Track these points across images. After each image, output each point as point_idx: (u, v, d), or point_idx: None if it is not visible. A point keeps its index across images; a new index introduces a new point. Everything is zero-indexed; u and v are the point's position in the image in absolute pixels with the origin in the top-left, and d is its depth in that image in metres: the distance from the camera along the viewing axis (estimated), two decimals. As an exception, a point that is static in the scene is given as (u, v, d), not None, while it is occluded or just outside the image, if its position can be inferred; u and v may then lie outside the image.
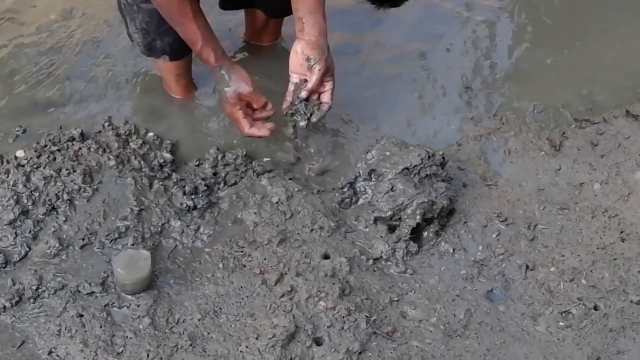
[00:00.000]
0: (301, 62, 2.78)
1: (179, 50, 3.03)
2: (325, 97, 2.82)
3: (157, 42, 2.98)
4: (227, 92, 2.76)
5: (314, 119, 2.79)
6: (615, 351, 2.48)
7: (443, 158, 2.77)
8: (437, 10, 3.64)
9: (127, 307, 2.52)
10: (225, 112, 2.85)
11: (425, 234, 2.76)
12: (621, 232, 2.77)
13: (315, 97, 2.81)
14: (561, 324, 2.54)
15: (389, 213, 2.71)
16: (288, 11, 2.92)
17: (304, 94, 2.76)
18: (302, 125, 2.79)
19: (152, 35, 2.95)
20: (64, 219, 2.68)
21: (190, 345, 2.44)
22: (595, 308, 2.58)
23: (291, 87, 2.81)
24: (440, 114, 3.21)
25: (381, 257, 2.69)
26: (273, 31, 3.37)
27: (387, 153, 2.76)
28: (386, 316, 2.55)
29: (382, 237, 2.71)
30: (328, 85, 2.81)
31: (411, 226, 2.69)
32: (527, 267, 2.67)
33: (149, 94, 3.23)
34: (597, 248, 2.73)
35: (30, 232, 2.65)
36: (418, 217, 2.69)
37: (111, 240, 2.66)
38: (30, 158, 2.78)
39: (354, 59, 3.39)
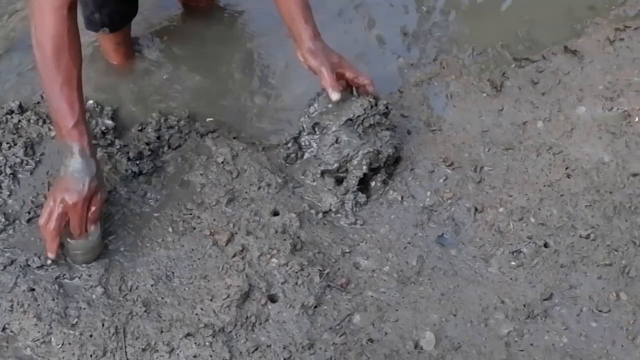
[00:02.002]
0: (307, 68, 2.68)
1: (119, 21, 2.93)
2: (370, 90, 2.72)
3: (95, 15, 2.86)
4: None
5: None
6: (568, 286, 2.48)
7: (387, 107, 2.71)
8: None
9: (79, 277, 2.47)
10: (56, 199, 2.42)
11: (373, 183, 2.71)
12: (566, 168, 2.75)
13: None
14: (513, 263, 2.53)
15: (335, 165, 2.65)
16: None
17: (335, 96, 2.61)
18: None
19: (91, 8, 2.84)
20: (8, 193, 2.61)
21: (145, 311, 2.41)
22: (546, 245, 2.57)
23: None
24: (380, 61, 3.14)
25: (330, 210, 2.64)
26: None
27: (330, 105, 2.68)
28: (339, 268, 2.52)
29: (330, 190, 2.66)
30: (362, 78, 2.70)
31: (358, 177, 2.64)
32: (476, 209, 2.65)
33: (87, 62, 3.06)
34: (544, 186, 2.71)
35: None
36: (365, 167, 2.64)
37: None
38: None
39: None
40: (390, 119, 2.74)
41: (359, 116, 2.64)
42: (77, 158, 2.40)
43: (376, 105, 2.68)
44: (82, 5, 2.83)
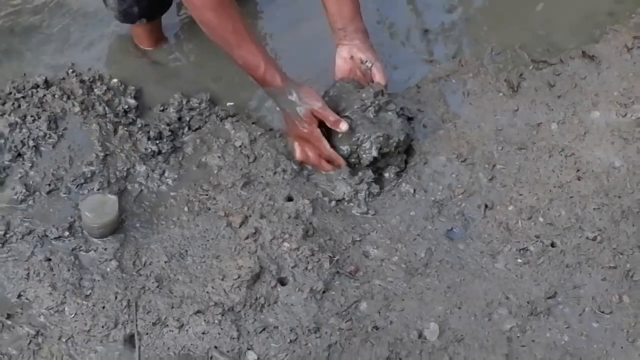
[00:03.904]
0: (350, 66, 2.75)
1: (158, 10, 2.97)
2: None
3: (134, 8, 2.88)
4: (299, 112, 2.59)
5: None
6: (572, 286, 2.47)
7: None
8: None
9: (95, 250, 2.49)
10: (298, 133, 2.65)
11: (386, 175, 2.70)
12: (577, 170, 2.73)
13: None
14: (519, 260, 2.52)
15: (347, 151, 2.64)
16: None
17: (382, 98, 2.68)
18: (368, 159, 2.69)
19: (129, 1, 2.86)
20: (30, 165, 2.62)
21: (157, 287, 2.42)
22: (553, 245, 2.56)
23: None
24: (399, 57, 3.13)
25: (343, 198, 2.64)
26: None
27: (344, 94, 2.68)
28: (349, 256, 2.52)
29: (344, 179, 2.65)
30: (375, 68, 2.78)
31: (369, 160, 2.63)
32: (486, 206, 2.64)
33: (114, 41, 3.15)
34: (554, 186, 2.70)
35: None
36: (375, 151, 2.62)
37: (77, 186, 2.60)
38: None
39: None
40: (400, 106, 2.73)
41: (371, 102, 2.64)
42: (295, 92, 2.58)
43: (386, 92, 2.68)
44: (119, 0, 2.85)
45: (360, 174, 2.66)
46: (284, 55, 3.08)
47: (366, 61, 2.76)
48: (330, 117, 2.60)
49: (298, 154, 2.69)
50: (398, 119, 2.68)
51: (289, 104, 2.60)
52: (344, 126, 2.60)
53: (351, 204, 2.65)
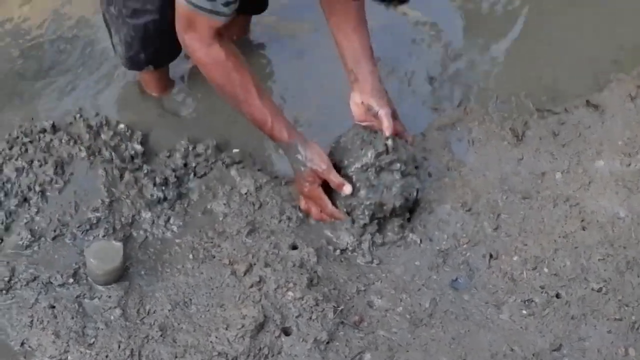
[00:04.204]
0: (363, 111, 2.74)
1: (163, 59, 2.98)
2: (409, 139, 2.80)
3: (141, 55, 2.89)
4: (303, 171, 2.62)
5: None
6: (577, 338, 2.46)
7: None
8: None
9: (99, 298, 2.48)
10: (302, 191, 2.69)
11: (390, 226, 2.69)
12: (582, 220, 2.74)
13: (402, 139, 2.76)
14: (524, 312, 2.52)
15: (345, 210, 2.65)
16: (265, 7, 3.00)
17: (390, 142, 2.67)
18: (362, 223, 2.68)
19: (136, 48, 2.86)
20: (36, 210, 2.62)
21: (161, 336, 2.41)
22: (557, 296, 2.55)
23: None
24: (405, 104, 3.13)
25: (347, 248, 2.64)
26: (244, 25, 3.29)
27: (350, 147, 2.68)
28: (353, 306, 2.51)
29: (347, 229, 2.65)
30: (399, 127, 2.78)
31: (362, 225, 2.64)
32: (491, 256, 2.64)
33: (122, 86, 3.17)
34: (559, 236, 2.70)
35: (2, 223, 2.60)
36: (367, 218, 2.63)
37: (83, 232, 2.61)
38: (2, 150, 2.72)
39: (322, 47, 3.28)
40: (408, 162, 2.71)
41: (371, 163, 2.63)
42: (302, 150, 2.60)
43: (395, 149, 2.65)
44: (125, 46, 2.86)
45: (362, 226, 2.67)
46: (297, 100, 3.13)
47: (373, 107, 2.75)
48: (334, 180, 2.62)
49: (302, 205, 2.71)
50: (401, 180, 2.66)
51: (295, 160, 2.62)
52: (347, 189, 2.61)
53: (355, 254, 2.64)
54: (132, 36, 2.82)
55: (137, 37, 2.82)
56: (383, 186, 2.64)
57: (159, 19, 2.76)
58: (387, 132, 2.68)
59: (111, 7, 2.80)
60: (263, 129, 2.61)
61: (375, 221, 2.65)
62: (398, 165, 2.65)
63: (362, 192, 2.62)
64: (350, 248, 2.64)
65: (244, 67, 2.54)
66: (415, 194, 2.72)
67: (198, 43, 2.48)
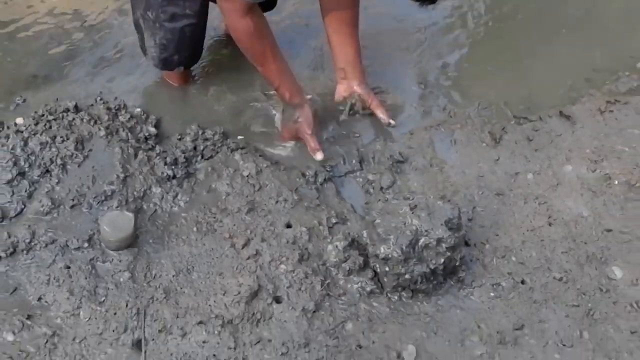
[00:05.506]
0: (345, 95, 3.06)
1: (196, 59, 3.11)
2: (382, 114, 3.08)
3: (174, 57, 3.00)
4: (290, 126, 2.93)
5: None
6: (538, 320, 2.53)
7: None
8: (397, 13, 3.70)
9: (110, 262, 2.57)
10: (283, 135, 2.99)
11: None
12: (549, 217, 2.82)
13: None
14: (492, 294, 2.58)
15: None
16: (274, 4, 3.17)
17: (393, 122, 3.06)
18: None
19: (171, 51, 2.97)
20: (57, 181, 2.71)
21: (165, 298, 2.49)
22: (523, 282, 2.62)
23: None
24: (396, 106, 3.23)
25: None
26: None
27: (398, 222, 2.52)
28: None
29: (336, 245, 2.62)
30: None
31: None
32: (466, 243, 2.70)
33: (142, 75, 3.26)
34: (527, 230, 2.78)
35: (25, 191, 2.68)
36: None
37: (98, 202, 2.69)
38: (29, 125, 2.80)
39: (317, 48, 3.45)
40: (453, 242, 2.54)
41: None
42: (295, 112, 2.90)
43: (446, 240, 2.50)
44: (160, 48, 2.96)
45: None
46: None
47: (361, 94, 3.02)
48: (311, 145, 2.88)
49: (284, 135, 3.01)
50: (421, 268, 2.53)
51: (289, 116, 2.93)
52: (319, 156, 2.88)
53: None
54: (168, 39, 2.91)
55: (173, 40, 2.92)
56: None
57: (195, 23, 2.89)
58: (386, 120, 3.01)
59: (148, 12, 2.88)
60: (272, 87, 2.92)
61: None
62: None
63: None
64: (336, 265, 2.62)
65: (267, 38, 2.77)
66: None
67: (234, 13, 2.69)
